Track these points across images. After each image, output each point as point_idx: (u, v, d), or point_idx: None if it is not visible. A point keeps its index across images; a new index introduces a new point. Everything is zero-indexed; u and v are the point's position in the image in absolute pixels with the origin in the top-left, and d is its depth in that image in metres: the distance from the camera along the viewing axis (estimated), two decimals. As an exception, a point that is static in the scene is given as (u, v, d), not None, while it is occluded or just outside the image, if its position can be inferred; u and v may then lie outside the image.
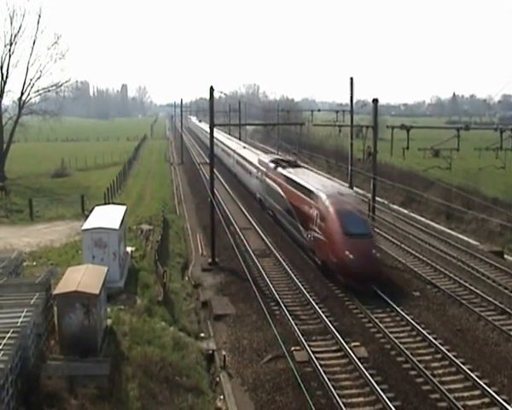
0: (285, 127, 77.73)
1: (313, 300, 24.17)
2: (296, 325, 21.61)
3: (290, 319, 22.14)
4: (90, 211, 28.38)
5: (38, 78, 62.79)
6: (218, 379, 18.28)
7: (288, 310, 22.98)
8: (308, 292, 25.13)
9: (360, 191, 47.22)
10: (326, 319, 22.07)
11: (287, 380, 17.55)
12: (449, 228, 38.42)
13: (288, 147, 64.58)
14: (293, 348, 19.55)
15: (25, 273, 22.46)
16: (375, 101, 32.52)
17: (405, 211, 43.47)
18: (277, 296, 24.47)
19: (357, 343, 20.10)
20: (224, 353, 19.38)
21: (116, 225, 23.83)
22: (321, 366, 18.36)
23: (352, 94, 47.57)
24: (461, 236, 36.46)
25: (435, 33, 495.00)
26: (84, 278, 16.63)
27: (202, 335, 21.51)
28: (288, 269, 28.32)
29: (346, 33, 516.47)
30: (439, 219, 40.68)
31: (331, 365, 18.77)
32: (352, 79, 46.90)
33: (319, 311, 22.92)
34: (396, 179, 45.45)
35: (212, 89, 28.81)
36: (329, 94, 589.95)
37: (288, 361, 17.12)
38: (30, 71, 62.15)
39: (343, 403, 16.26)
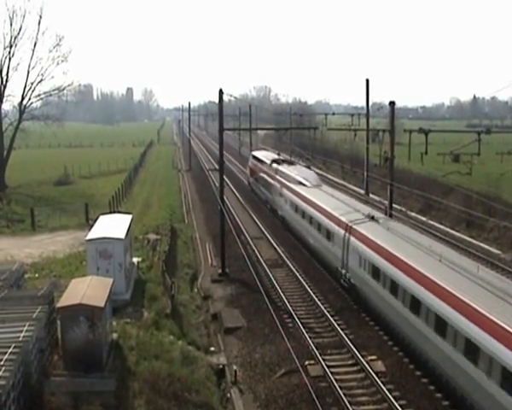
0: (298, 132, 77.04)
1: (328, 312, 23.51)
2: (310, 338, 20.98)
3: (304, 331, 21.51)
4: (95, 220, 27.87)
5: (40, 81, 61.56)
6: (228, 395, 17.83)
7: (301, 323, 22.35)
8: (323, 304, 24.46)
9: (377, 198, 46.40)
10: (341, 332, 21.43)
11: (301, 396, 17.02)
12: (469, 236, 37.39)
13: (302, 152, 64.00)
14: (307, 363, 18.98)
15: (27, 286, 22.00)
16: (392, 103, 31.63)
17: (424, 218, 42.55)
18: (290, 308, 23.84)
19: (374, 357, 19.50)
20: (234, 367, 18.94)
21: (122, 235, 23.31)
22: (336, 380, 17.81)
23: (367, 96, 46.93)
24: (482, 244, 35.40)
25: (455, 34, 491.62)
26: (88, 290, 16.28)
27: (212, 349, 21.01)
28: (302, 280, 27.62)
29: (362, 33, 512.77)
30: (459, 227, 39.64)
31: (347, 379, 18.21)
32: (367, 80, 46.30)
33: (334, 323, 22.27)
34: (414, 186, 44.36)
35: (221, 92, 28.39)
36: (344, 96, 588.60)
37: (302, 376, 16.65)
38: (31, 74, 60.92)
39: (360, 421, 15.66)
